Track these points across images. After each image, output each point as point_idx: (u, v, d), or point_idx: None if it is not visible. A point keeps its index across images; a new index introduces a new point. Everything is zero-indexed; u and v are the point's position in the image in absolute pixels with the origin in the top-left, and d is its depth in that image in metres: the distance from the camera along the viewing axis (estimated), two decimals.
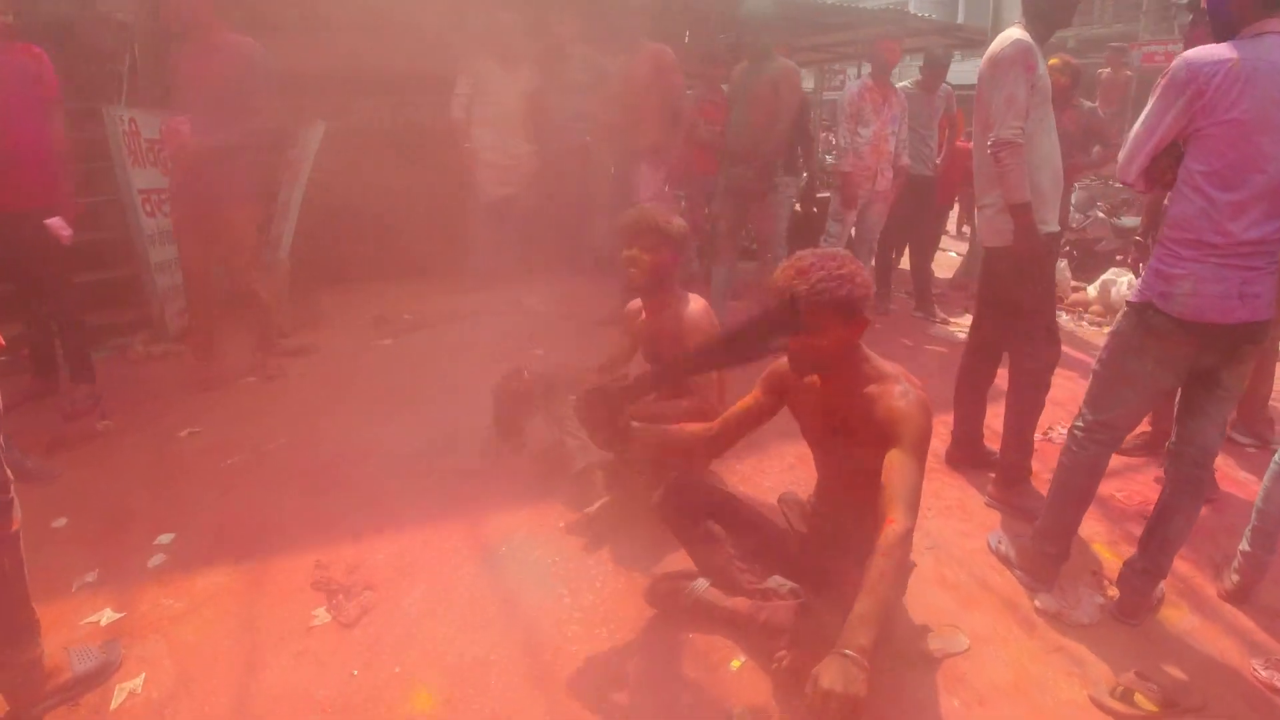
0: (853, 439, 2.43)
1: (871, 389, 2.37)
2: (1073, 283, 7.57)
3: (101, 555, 2.99)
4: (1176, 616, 2.92)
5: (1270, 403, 4.32)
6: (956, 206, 12.39)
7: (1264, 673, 2.64)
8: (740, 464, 3.62)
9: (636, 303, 3.45)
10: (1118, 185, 9.03)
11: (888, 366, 2.41)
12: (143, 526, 3.17)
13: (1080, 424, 2.88)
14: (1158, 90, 2.58)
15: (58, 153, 3.99)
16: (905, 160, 6.06)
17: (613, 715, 2.28)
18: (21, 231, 3.89)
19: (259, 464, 3.67)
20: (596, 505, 3.10)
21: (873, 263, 6.62)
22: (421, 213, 6.31)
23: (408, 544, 3.03)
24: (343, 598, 2.70)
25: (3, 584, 2.15)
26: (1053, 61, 3.49)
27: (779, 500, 2.91)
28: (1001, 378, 3.78)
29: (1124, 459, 4.11)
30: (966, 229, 12.03)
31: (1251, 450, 4.20)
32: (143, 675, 2.41)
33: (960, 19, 18.81)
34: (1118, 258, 8.49)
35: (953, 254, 9.83)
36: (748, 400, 2.67)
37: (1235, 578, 2.99)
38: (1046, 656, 2.65)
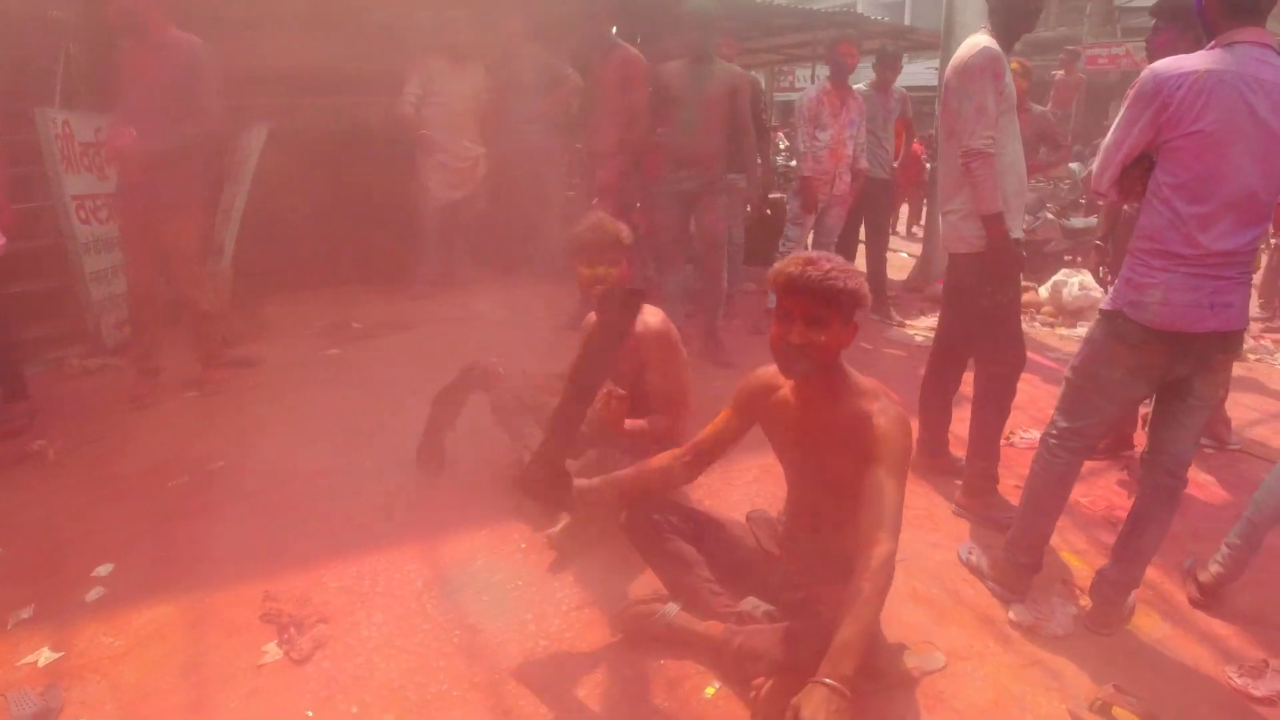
0: (829, 456, 2.37)
1: (850, 405, 2.31)
2: (1024, 284, 7.64)
3: (37, 588, 2.82)
4: (1149, 625, 2.91)
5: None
6: (906, 208, 12.57)
7: (1239, 680, 2.64)
8: (705, 478, 3.49)
9: (593, 316, 3.35)
10: (1066, 186, 9.17)
11: (866, 382, 2.36)
12: (80, 556, 3.00)
13: (1053, 432, 2.86)
14: (1127, 101, 2.57)
15: None
16: (864, 164, 6.06)
17: None
18: None
19: (202, 486, 3.50)
20: (560, 525, 3.00)
21: None
22: (369, 217, 6.16)
23: (362, 570, 2.89)
24: (294, 631, 2.55)
25: None
26: (1012, 65, 3.47)
27: (748, 518, 2.83)
28: (966, 383, 3.76)
29: (1087, 463, 4.12)
30: (917, 230, 12.16)
31: (1209, 451, 4.24)
32: None
33: (907, 22, 19.02)
34: (1066, 258, 8.61)
35: (904, 254, 9.89)
36: (719, 421, 2.62)
37: (1216, 568, 2.99)
38: (1024, 671, 2.62)
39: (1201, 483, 3.97)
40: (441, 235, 6.46)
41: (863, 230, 6.81)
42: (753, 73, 10.18)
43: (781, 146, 11.24)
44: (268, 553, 2.99)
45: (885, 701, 2.41)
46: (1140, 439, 4.26)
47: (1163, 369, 2.62)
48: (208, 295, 4.54)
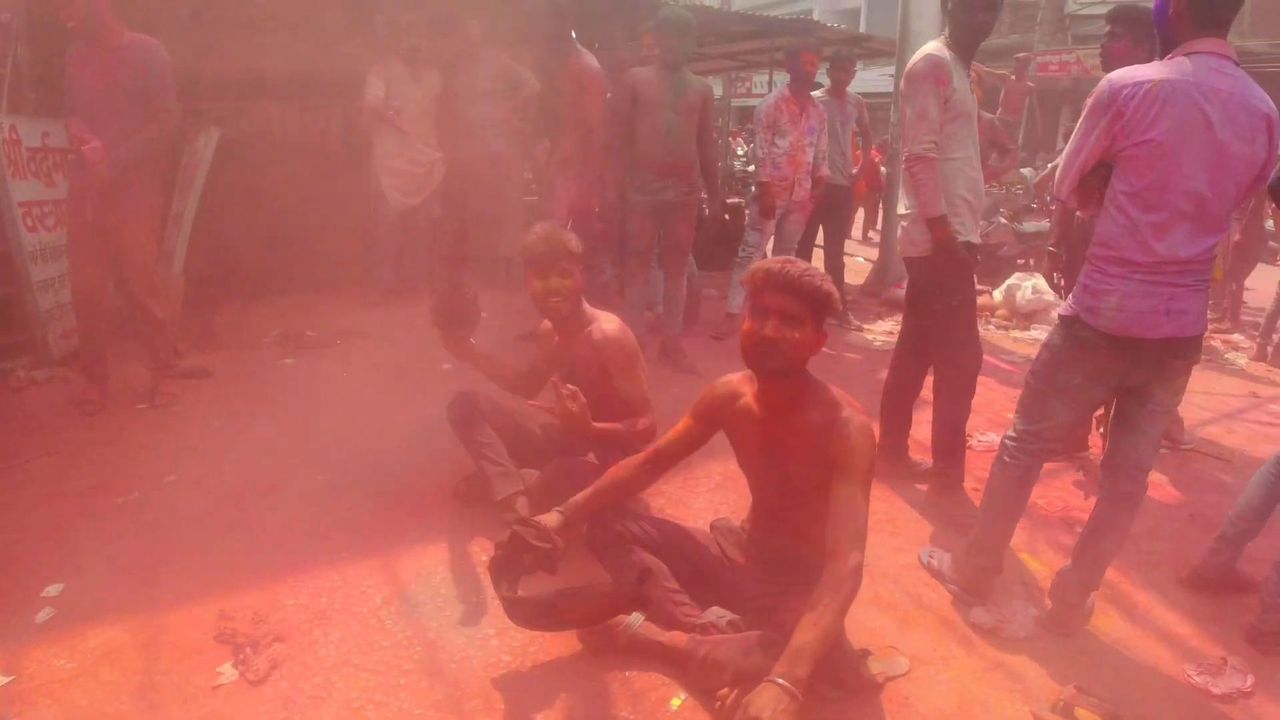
0: (793, 464, 2.38)
1: (815, 414, 2.33)
2: (978, 287, 7.75)
3: None
4: (1108, 625, 2.96)
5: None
6: (862, 212, 12.69)
7: (1198, 678, 2.69)
8: (667, 485, 3.52)
9: (549, 324, 3.33)
10: (1019, 191, 9.31)
11: (831, 391, 2.37)
12: (29, 576, 2.88)
13: (1012, 434, 2.89)
14: (1085, 110, 2.61)
15: None
16: (825, 171, 6.10)
17: None
18: None
19: (154, 502, 3.39)
20: None
21: None
22: (324, 223, 6.07)
23: (320, 587, 2.83)
24: (250, 651, 2.49)
25: None
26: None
27: (711, 527, 2.83)
28: (927, 387, 3.79)
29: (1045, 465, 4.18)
30: (874, 235, 12.29)
31: (1164, 450, 4.31)
32: None
33: (862, 29, 19.22)
34: (1020, 262, 8.75)
35: (860, 259, 9.99)
36: (680, 428, 2.62)
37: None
38: (987, 674, 2.64)
39: (1155, 482, 4.04)
40: (397, 242, 6.40)
41: (820, 235, 6.86)
42: (709, 79, 10.24)
43: (740, 152, 11.29)
44: (221, 570, 2.91)
45: (850, 708, 2.41)
46: (1096, 441, 4.34)
47: (1120, 374, 2.65)
48: (163, 302, 4.45)
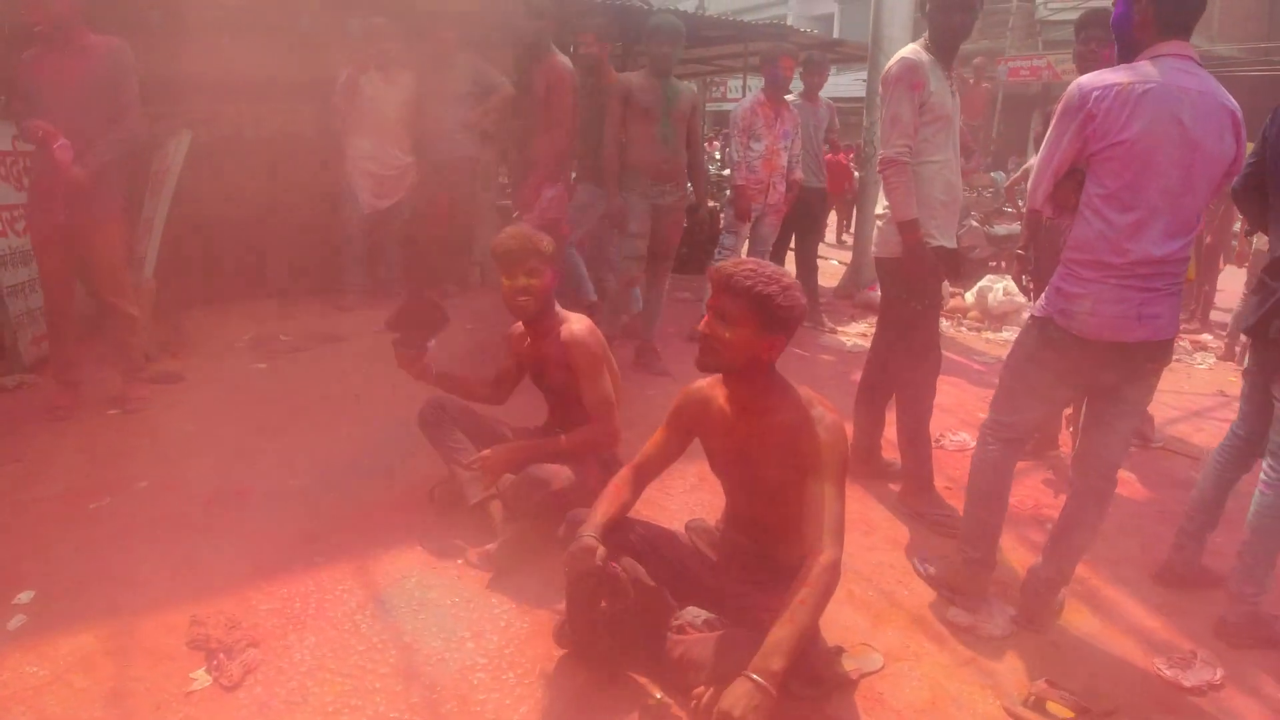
0: (766, 465, 2.40)
1: (786, 414, 2.34)
2: (950, 289, 7.83)
3: None
4: (1078, 621, 3.00)
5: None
6: (835, 216, 12.78)
7: (1169, 672, 2.73)
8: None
9: (519, 326, 3.34)
10: (989, 194, 9.41)
11: (802, 391, 2.39)
12: None
13: (987, 423, 2.95)
14: (1055, 115, 2.64)
15: None
16: (798, 174, 6.14)
17: None
18: None
19: (125, 507, 3.36)
20: (497, 544, 2.97)
21: None
22: (297, 227, 6.04)
23: (293, 592, 2.81)
24: (224, 657, 2.47)
25: None
26: None
27: (686, 527, 2.85)
28: None
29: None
30: (847, 238, 12.38)
31: (1134, 448, 4.38)
32: None
33: (836, 34, 19.37)
34: (991, 264, 8.85)
35: (834, 262, 10.05)
36: (658, 440, 2.64)
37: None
38: (959, 670, 2.68)
39: (1125, 479, 4.09)
40: (366, 244, 6.38)
41: (793, 239, 6.91)
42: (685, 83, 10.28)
43: (717, 157, 11.35)
44: (194, 576, 2.89)
45: (824, 705, 2.43)
46: (1065, 440, 4.39)
47: (1091, 375, 2.69)
48: (133, 302, 4.42)
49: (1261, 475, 2.90)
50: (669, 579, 2.59)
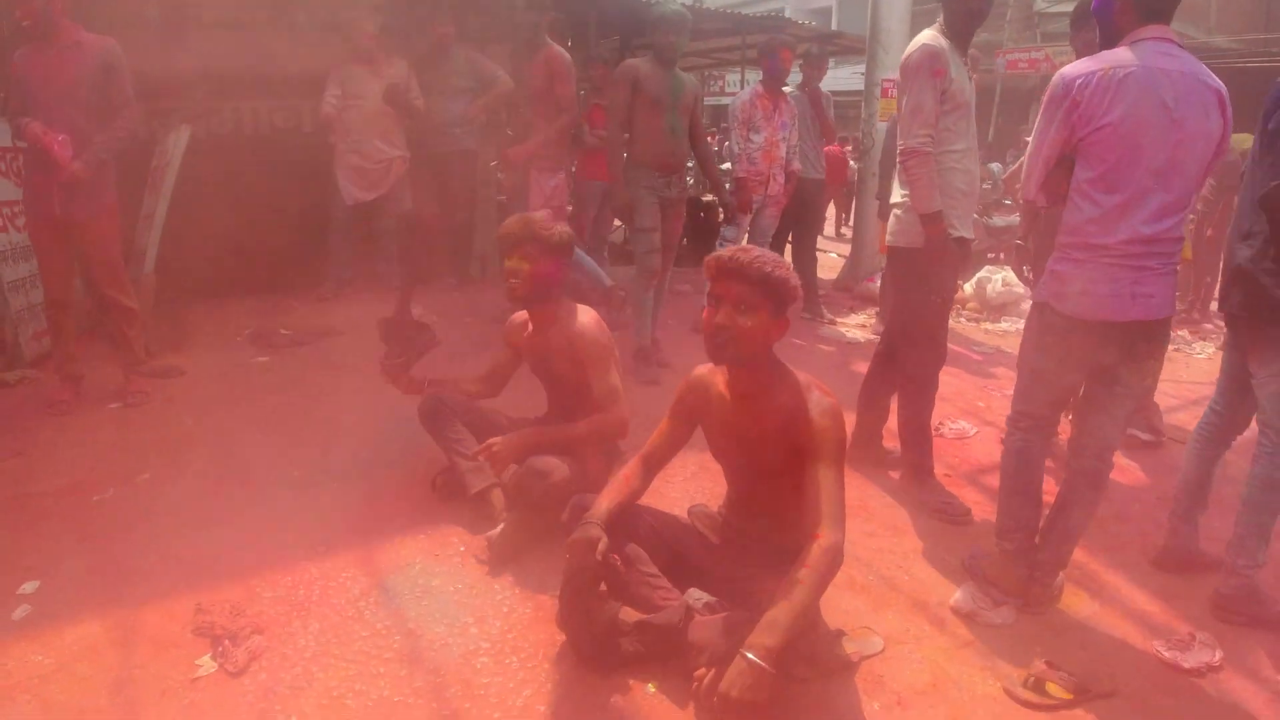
0: (764, 449, 2.42)
1: (784, 399, 2.36)
2: None
3: None
4: (1078, 604, 3.02)
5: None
6: (834, 208, 12.78)
7: (1167, 654, 2.74)
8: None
9: (522, 315, 3.35)
10: (988, 187, 9.41)
11: (799, 375, 2.41)
12: (3, 574, 2.86)
13: (1010, 415, 2.99)
14: (1042, 106, 2.67)
15: None
16: (796, 165, 6.15)
17: None
18: None
19: (128, 500, 3.38)
20: (498, 529, 2.99)
21: None
22: (297, 221, 6.04)
23: (297, 580, 2.83)
24: (229, 643, 2.48)
25: None
26: None
27: (689, 512, 2.87)
28: None
29: None
30: (846, 230, 12.39)
31: (1147, 439, 4.38)
32: None
33: (834, 26, 19.36)
34: (990, 256, 8.86)
35: (834, 255, 10.07)
36: (663, 429, 2.67)
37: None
38: (959, 653, 2.69)
39: (1124, 467, 4.12)
40: (350, 236, 6.36)
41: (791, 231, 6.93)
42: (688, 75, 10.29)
43: (716, 150, 11.39)
44: (198, 565, 2.91)
45: (825, 686, 2.45)
46: (1065, 427, 4.41)
47: (1090, 357, 2.71)
48: (132, 296, 4.45)
49: (1256, 449, 2.92)
50: (671, 562, 2.61)
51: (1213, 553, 3.19)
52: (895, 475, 3.83)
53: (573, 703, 2.35)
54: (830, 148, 10.04)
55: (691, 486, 3.58)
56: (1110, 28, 2.65)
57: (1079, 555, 3.29)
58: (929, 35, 3.34)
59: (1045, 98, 2.67)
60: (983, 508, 3.63)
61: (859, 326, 6.70)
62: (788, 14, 18.52)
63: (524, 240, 3.09)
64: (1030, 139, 2.78)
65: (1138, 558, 3.34)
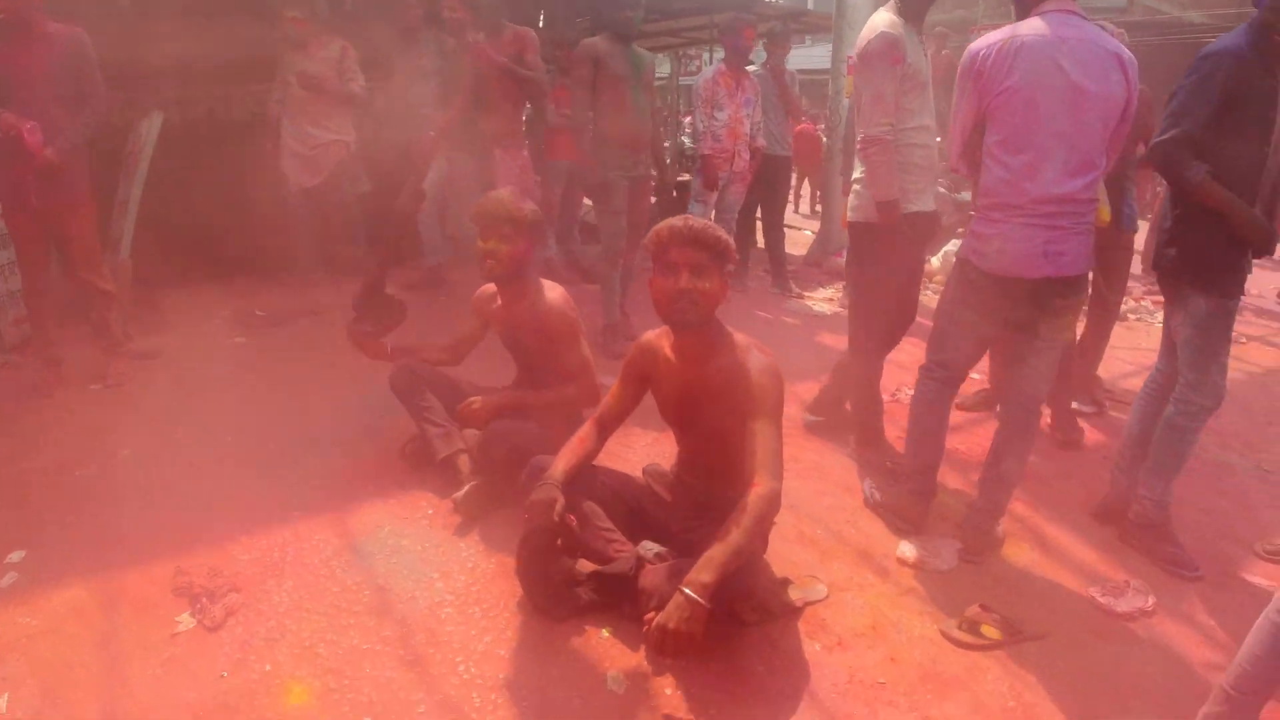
0: (709, 407, 2.56)
1: (726, 359, 2.51)
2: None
3: None
4: (1018, 554, 3.19)
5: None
6: (809, 186, 12.89)
7: (1103, 599, 2.92)
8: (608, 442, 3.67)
9: (490, 288, 3.46)
10: None
11: (739, 337, 2.55)
12: None
13: (923, 363, 3.18)
14: (957, 82, 2.87)
15: None
16: (760, 142, 6.25)
17: (489, 691, 2.32)
18: None
19: (111, 474, 3.49)
20: (463, 490, 3.12)
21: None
22: (269, 206, 6.10)
23: (272, 543, 2.97)
24: (207, 601, 2.62)
25: None
26: None
27: (644, 471, 3.02)
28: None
29: (966, 414, 4.42)
30: (821, 209, 12.50)
31: (1088, 411, 4.54)
32: (6, 696, 2.29)
33: (810, 5, 19.38)
34: (959, 230, 8.99)
35: (807, 233, 10.20)
36: (615, 391, 2.80)
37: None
38: (900, 599, 2.85)
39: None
40: (305, 221, 6.31)
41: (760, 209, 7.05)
42: (659, 57, 10.35)
43: (688, 130, 11.47)
44: (178, 533, 3.03)
45: (770, 629, 2.61)
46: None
47: (1006, 311, 2.90)
48: (110, 279, 4.55)
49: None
50: (627, 518, 2.76)
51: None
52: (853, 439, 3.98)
53: (531, 647, 2.50)
54: (804, 125, 10.18)
55: (653, 451, 3.73)
56: (1022, 2, 2.84)
57: (1022, 509, 3.48)
58: (885, 20, 3.35)
59: (958, 73, 2.86)
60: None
61: (826, 300, 6.84)
62: None
63: (502, 221, 3.18)
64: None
65: (1080, 513, 3.50)
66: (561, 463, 2.64)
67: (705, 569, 2.18)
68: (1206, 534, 3.41)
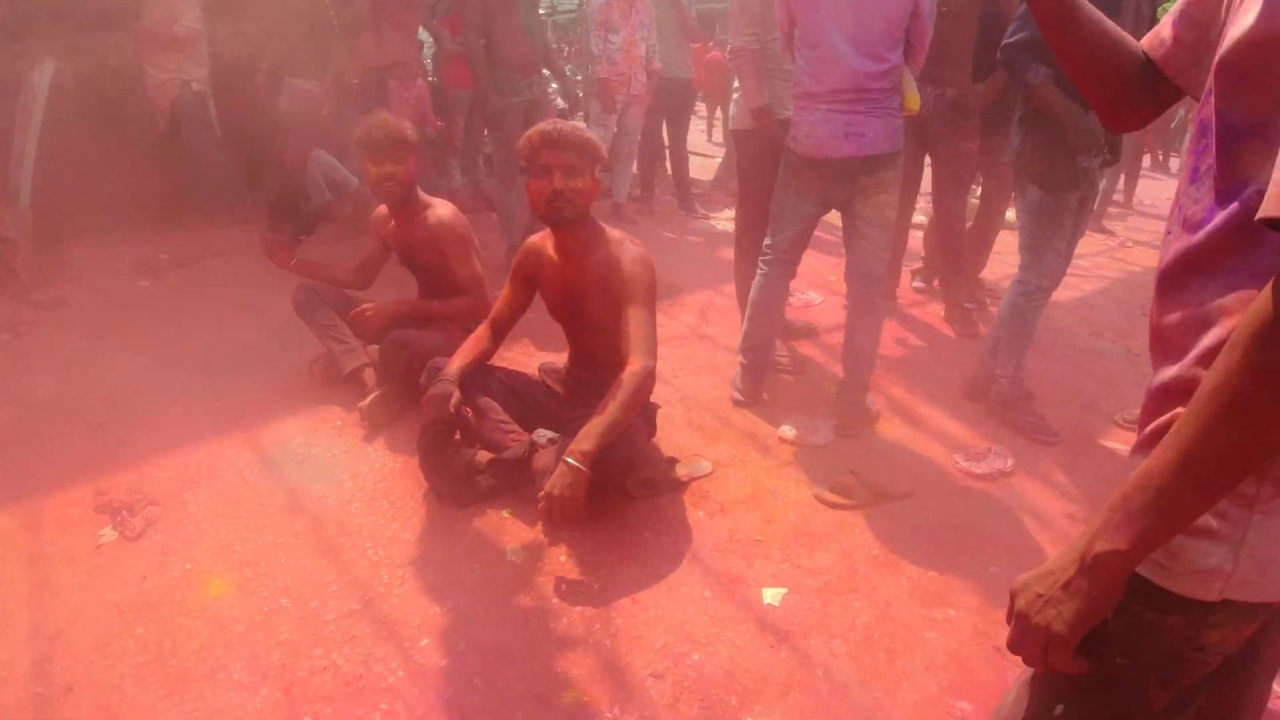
0: (589, 301, 2.77)
1: (602, 253, 2.71)
2: None
3: None
4: (892, 430, 3.49)
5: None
6: (721, 113, 12.97)
7: (965, 464, 3.22)
8: (508, 351, 3.86)
9: (383, 210, 3.58)
10: None
11: (613, 232, 2.76)
12: None
13: (762, 249, 3.47)
14: None
15: None
16: (656, 64, 6.32)
17: (397, 569, 2.53)
18: None
19: (28, 415, 3.55)
20: (368, 399, 3.29)
21: (634, 167, 6.95)
22: (169, 153, 6.06)
23: (187, 461, 3.10)
24: (127, 514, 2.76)
25: None
26: None
27: (539, 369, 3.21)
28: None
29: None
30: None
31: (970, 307, 4.82)
32: None
33: None
34: None
35: (718, 160, 10.37)
36: (505, 294, 2.98)
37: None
38: (779, 470, 3.13)
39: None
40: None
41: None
42: None
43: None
44: (96, 459, 3.14)
45: (657, 502, 2.86)
46: (905, 292, 4.87)
47: (822, 190, 3.21)
48: (12, 227, 4.53)
49: None
50: (522, 411, 2.96)
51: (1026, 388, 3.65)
52: None
53: (436, 530, 2.72)
54: (714, 54, 10.25)
55: (554, 359, 3.89)
56: None
57: (900, 392, 3.77)
58: None
59: None
60: (819, 359, 4.08)
61: (729, 220, 7.04)
62: None
63: (394, 144, 3.29)
64: None
65: (955, 396, 3.79)
66: (457, 361, 2.83)
67: (584, 439, 2.40)
68: (1072, 409, 3.74)
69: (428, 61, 7.30)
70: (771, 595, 2.45)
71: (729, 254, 4.39)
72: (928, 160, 4.54)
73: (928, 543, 2.75)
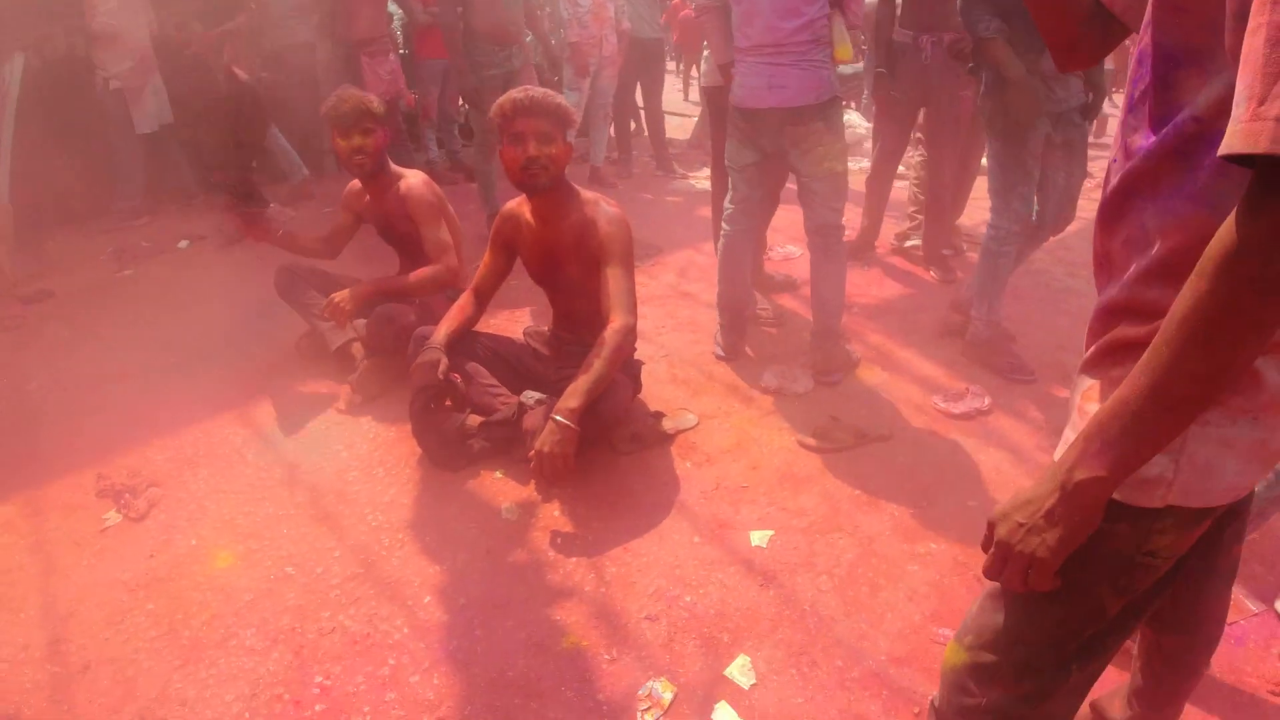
0: (568, 263, 2.83)
1: (578, 215, 2.77)
2: None
3: None
4: (870, 375, 3.57)
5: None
6: (695, 71, 12.91)
7: (943, 404, 3.31)
8: (493, 319, 3.93)
9: (356, 185, 3.61)
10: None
11: (588, 194, 2.82)
12: None
13: (724, 216, 3.56)
14: None
15: None
16: (626, 24, 6.33)
17: (396, 532, 2.61)
18: None
19: (21, 406, 3.60)
20: (358, 372, 3.35)
21: (611, 130, 6.96)
22: (146, 139, 6.06)
23: (184, 442, 3.16)
24: (129, 496, 2.83)
25: None
26: None
27: (524, 333, 3.28)
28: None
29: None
30: None
31: (949, 254, 4.90)
32: None
33: None
34: (845, 103, 9.21)
35: (695, 120, 10.37)
36: (485, 261, 3.04)
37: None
38: (763, 419, 3.21)
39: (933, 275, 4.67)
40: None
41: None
42: None
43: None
44: (94, 445, 3.19)
45: (645, 455, 2.94)
46: (883, 244, 4.93)
47: (755, 140, 3.29)
48: None
49: None
50: (509, 374, 3.04)
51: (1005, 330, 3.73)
52: None
53: (431, 494, 2.79)
54: (687, 11, 10.20)
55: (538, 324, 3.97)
56: None
57: (878, 339, 3.85)
58: None
59: None
60: (800, 311, 4.14)
61: (707, 178, 7.05)
62: None
63: (362, 117, 3.31)
64: None
65: (932, 340, 3.88)
66: (443, 329, 2.89)
67: (571, 396, 2.48)
68: (1047, 347, 3.82)
69: (397, 32, 7.26)
70: (759, 538, 2.54)
71: (708, 212, 4.45)
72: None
73: (908, 481, 2.85)
